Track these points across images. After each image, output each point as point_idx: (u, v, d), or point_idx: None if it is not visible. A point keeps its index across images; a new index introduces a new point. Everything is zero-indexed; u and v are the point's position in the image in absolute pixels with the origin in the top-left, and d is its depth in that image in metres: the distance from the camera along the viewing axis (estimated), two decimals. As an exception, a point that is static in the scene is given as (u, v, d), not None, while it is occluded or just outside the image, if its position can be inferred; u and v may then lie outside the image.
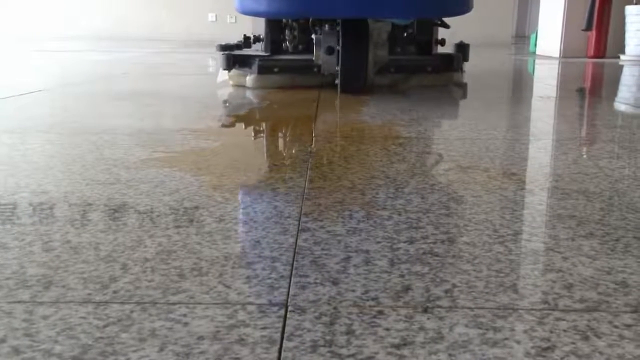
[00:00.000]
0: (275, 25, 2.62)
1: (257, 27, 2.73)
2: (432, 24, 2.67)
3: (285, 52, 2.65)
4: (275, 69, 2.39)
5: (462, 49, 2.73)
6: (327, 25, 2.18)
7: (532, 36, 6.11)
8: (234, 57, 2.48)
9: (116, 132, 1.42)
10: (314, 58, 2.25)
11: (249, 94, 2.30)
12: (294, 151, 1.21)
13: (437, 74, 2.54)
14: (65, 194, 0.91)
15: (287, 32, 2.62)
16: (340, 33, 2.12)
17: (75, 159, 1.15)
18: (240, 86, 2.43)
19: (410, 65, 2.53)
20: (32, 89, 2.30)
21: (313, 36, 2.25)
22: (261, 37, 2.66)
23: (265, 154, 1.24)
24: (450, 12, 2.19)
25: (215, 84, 2.61)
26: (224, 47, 2.59)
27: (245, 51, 2.68)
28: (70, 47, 5.78)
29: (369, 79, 2.20)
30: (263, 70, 2.39)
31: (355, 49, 2.13)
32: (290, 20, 2.60)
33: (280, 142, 1.40)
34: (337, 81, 2.19)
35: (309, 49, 2.48)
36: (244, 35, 2.84)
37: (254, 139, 1.45)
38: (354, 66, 2.15)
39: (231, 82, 2.51)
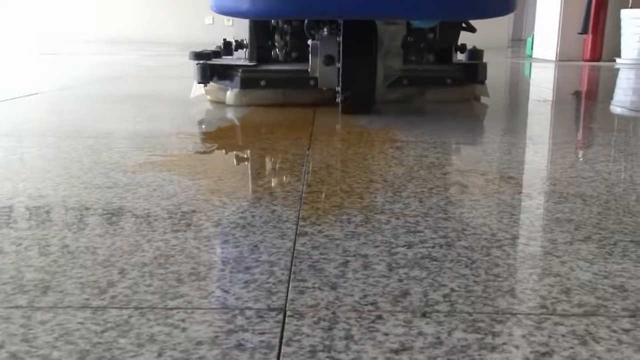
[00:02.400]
0: (262, 28, 2.10)
1: (240, 29, 2.20)
2: (458, 27, 2.18)
3: (275, 60, 2.16)
4: (262, 82, 1.94)
5: (477, 55, 2.25)
6: (325, 28, 1.78)
7: (529, 40, 6.12)
8: (211, 67, 2.00)
9: (113, 136, 1.41)
10: (309, 69, 1.81)
11: (224, 114, 1.87)
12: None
13: (459, 86, 2.12)
14: (63, 197, 0.91)
15: (276, 36, 2.11)
16: (342, 38, 1.71)
17: (72, 163, 1.15)
18: (220, 102, 2.01)
19: (426, 77, 2.10)
20: (28, 92, 2.30)
21: (309, 42, 1.82)
22: (245, 42, 2.13)
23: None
24: (493, 11, 1.74)
25: (189, 101, 2.10)
26: (199, 55, 2.06)
27: (226, 59, 2.16)
28: (74, 50, 5.77)
29: (378, 96, 1.79)
30: (246, 83, 1.94)
31: (361, 59, 1.72)
32: (280, 22, 2.10)
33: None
34: (339, 99, 1.79)
35: (303, 57, 1.98)
36: (224, 40, 2.25)
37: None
38: (359, 80, 1.74)
39: (209, 98, 2.08)
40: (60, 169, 1.10)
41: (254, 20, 2.04)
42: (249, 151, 1.31)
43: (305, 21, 1.91)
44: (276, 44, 2.13)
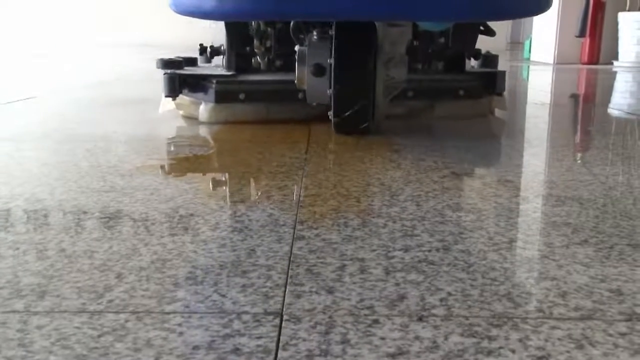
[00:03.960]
0: (239, 31, 1.78)
1: (219, 32, 1.90)
2: (476, 30, 1.86)
3: (257, 70, 1.86)
4: (241, 96, 1.63)
5: (490, 62, 1.96)
6: (315, 32, 1.47)
7: (526, 42, 6.14)
8: (181, 78, 1.68)
9: (111, 139, 1.41)
10: (296, 80, 1.50)
11: (193, 133, 1.58)
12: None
13: (473, 99, 1.78)
14: (60, 202, 0.91)
15: (255, 41, 1.79)
16: (334, 43, 1.41)
17: (69, 167, 1.15)
18: (195, 119, 1.69)
19: (435, 88, 1.77)
20: (25, 96, 2.30)
21: (297, 47, 1.50)
22: (223, 48, 1.85)
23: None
24: (528, 10, 1.46)
25: (157, 117, 1.79)
26: (168, 64, 1.77)
27: (200, 68, 1.89)
28: (73, 50, 5.77)
29: (378, 113, 1.48)
30: (222, 96, 1.63)
31: (356, 69, 1.41)
32: (261, 24, 1.79)
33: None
34: (331, 115, 1.48)
35: (290, 66, 1.60)
36: (200, 45, 1.94)
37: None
38: (354, 95, 1.42)
39: (181, 113, 1.77)
40: (58, 172, 1.10)
41: (226, 22, 1.76)
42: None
43: (292, 23, 1.59)
44: (256, 50, 1.81)
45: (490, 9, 1.31)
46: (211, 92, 1.65)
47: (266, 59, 1.85)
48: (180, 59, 1.81)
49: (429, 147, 1.35)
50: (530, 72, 4.33)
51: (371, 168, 1.13)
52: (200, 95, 1.69)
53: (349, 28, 1.42)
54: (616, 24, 5.11)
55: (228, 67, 1.80)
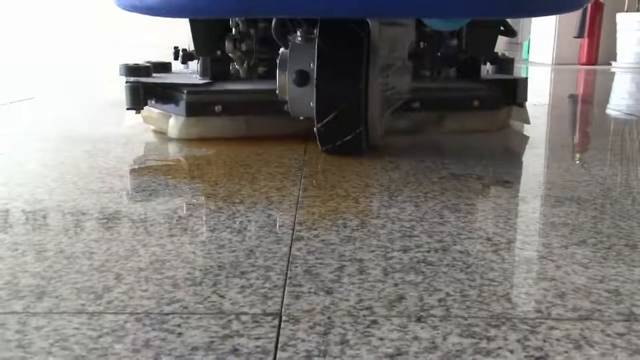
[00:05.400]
0: (208, 31, 1.51)
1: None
2: (495, 30, 1.62)
3: (236, 77, 1.57)
4: (217, 108, 1.38)
5: (506, 66, 1.73)
6: (299, 32, 1.24)
7: (525, 43, 6.15)
8: (147, 87, 1.43)
9: (109, 141, 1.41)
10: (277, 89, 1.25)
11: (157, 154, 1.31)
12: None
13: (490, 110, 1.53)
14: (59, 203, 0.91)
15: (227, 44, 1.47)
16: (316, 46, 1.16)
17: (68, 168, 1.15)
18: (165, 134, 1.46)
19: (446, 99, 1.50)
20: (24, 97, 2.30)
21: (281, 50, 1.28)
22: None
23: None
24: (564, 5, 1.19)
25: (120, 130, 1.56)
26: (133, 70, 1.53)
27: (173, 75, 1.64)
28: (73, 50, 5.77)
29: (374, 130, 1.23)
30: (194, 109, 1.39)
31: (343, 77, 1.16)
32: (239, 23, 1.49)
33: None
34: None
35: (274, 72, 1.29)
36: (175, 48, 1.69)
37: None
38: (340, 109, 1.16)
39: (152, 127, 1.54)
40: (57, 173, 1.10)
41: (192, 20, 1.48)
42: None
43: (274, 22, 1.32)
44: (230, 54, 1.50)
45: (523, 3, 1.03)
46: (182, 104, 1.39)
47: (245, 65, 1.56)
48: (148, 65, 1.58)
49: (426, 149, 1.35)
50: (528, 73, 4.34)
51: (370, 169, 1.13)
52: (170, 107, 1.44)
53: (335, 27, 1.17)
54: (614, 24, 5.12)
55: (203, 74, 1.55)
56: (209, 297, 0.59)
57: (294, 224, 0.82)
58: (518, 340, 0.51)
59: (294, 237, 0.76)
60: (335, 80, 1.16)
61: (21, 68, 4.03)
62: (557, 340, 0.51)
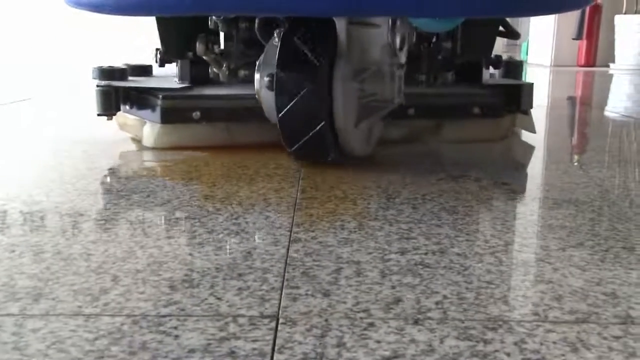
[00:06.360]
0: (181, 31, 1.39)
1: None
2: (493, 31, 1.53)
3: (216, 81, 1.43)
4: (195, 114, 1.30)
5: (516, 70, 1.64)
6: (276, 32, 1.15)
7: (523, 44, 6.16)
8: (118, 91, 1.36)
9: (108, 142, 1.41)
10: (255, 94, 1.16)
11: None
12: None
13: (491, 118, 1.44)
14: (57, 204, 0.91)
15: (198, 45, 1.34)
16: (279, 46, 1.08)
17: (66, 169, 1.15)
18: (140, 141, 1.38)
19: (443, 105, 1.41)
20: (21, 97, 2.29)
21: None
22: None
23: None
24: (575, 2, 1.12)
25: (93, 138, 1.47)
26: (107, 73, 1.44)
27: (152, 79, 1.54)
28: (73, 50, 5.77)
29: (350, 143, 1.13)
30: (170, 115, 1.30)
31: (304, 81, 1.05)
32: (218, 22, 1.33)
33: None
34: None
35: None
36: (157, 49, 1.51)
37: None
38: (297, 115, 1.06)
39: (129, 135, 1.45)
40: (54, 175, 1.10)
41: (159, 18, 1.37)
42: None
43: (257, 20, 1.22)
44: (204, 57, 1.37)
45: (522, 2, 0.95)
46: (157, 110, 1.31)
47: (225, 68, 1.41)
48: (124, 67, 1.49)
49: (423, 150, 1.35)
50: (527, 74, 4.34)
51: (368, 171, 1.13)
52: (146, 113, 1.35)
53: (299, 27, 1.08)
54: (613, 26, 5.13)
55: (182, 78, 1.45)
56: (206, 299, 0.59)
57: (292, 225, 0.82)
58: (515, 343, 0.51)
59: (291, 239, 0.76)
60: (293, 79, 1.06)
61: (16, 68, 4.03)
62: (554, 343, 0.51)
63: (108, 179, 1.05)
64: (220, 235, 0.77)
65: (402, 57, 1.20)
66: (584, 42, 5.29)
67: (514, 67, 1.61)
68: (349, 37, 1.08)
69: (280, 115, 1.06)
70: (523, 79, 1.59)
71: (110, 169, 1.14)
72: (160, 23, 1.37)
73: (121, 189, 0.99)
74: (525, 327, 0.54)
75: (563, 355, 0.50)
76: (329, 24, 1.08)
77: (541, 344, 0.51)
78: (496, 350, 0.50)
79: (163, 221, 0.83)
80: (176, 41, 1.40)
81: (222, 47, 1.36)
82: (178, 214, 0.86)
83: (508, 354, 0.50)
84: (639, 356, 0.50)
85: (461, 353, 0.50)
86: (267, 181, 1.05)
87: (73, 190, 0.99)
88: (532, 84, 1.52)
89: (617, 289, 0.63)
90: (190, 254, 0.71)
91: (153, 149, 1.32)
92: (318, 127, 1.06)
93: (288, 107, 1.05)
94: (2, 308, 0.57)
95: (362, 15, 1.09)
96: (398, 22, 1.15)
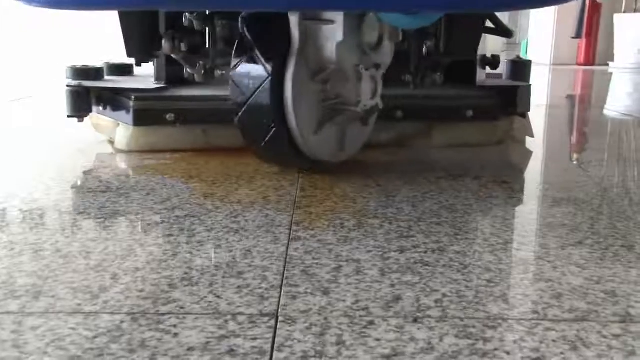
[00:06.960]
0: (142, 25, 1.31)
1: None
2: (476, 27, 1.40)
3: (194, 81, 1.29)
4: (169, 116, 1.23)
5: (520, 71, 1.53)
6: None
7: (523, 43, 6.16)
8: (90, 92, 1.31)
9: (107, 140, 1.41)
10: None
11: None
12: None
13: (486, 121, 1.37)
14: (56, 202, 0.91)
15: (165, 43, 1.23)
16: (235, 45, 1.04)
17: (66, 167, 1.14)
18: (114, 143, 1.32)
19: (433, 108, 1.34)
20: (21, 95, 2.29)
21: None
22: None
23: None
24: None
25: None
26: (80, 73, 1.38)
27: (128, 79, 1.48)
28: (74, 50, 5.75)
29: (307, 148, 1.03)
30: (143, 117, 1.25)
31: (250, 81, 1.00)
32: (195, 18, 1.16)
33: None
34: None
35: None
36: None
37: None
38: (251, 118, 1.01)
39: (103, 138, 1.39)
40: (54, 173, 1.10)
41: (121, 13, 1.28)
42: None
43: (240, 17, 1.07)
44: (173, 55, 1.26)
45: None
46: (130, 112, 1.25)
47: (201, 67, 1.27)
48: (100, 67, 1.43)
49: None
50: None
51: (368, 169, 1.13)
52: (119, 114, 1.29)
53: (253, 24, 1.02)
54: (612, 25, 5.13)
55: (158, 78, 1.39)
56: (205, 297, 0.59)
57: (291, 224, 0.81)
58: (514, 342, 0.51)
59: (291, 237, 0.76)
60: (245, 80, 1.01)
61: (19, 67, 4.02)
62: (554, 341, 0.51)
63: (107, 177, 1.05)
64: (220, 234, 0.77)
65: (380, 57, 1.08)
66: (584, 41, 5.29)
67: (521, 68, 1.52)
68: (303, 34, 0.99)
69: (236, 119, 1.02)
70: (529, 80, 1.51)
71: (110, 167, 1.14)
72: (122, 20, 1.29)
73: (120, 186, 0.99)
74: (525, 326, 0.54)
75: (562, 353, 0.50)
76: (282, 21, 0.99)
77: (541, 342, 0.51)
78: (496, 349, 0.50)
79: (163, 219, 0.83)
80: (139, 39, 1.32)
81: (189, 45, 1.25)
82: (178, 212, 0.86)
83: (508, 352, 0.50)
84: (638, 355, 0.50)
85: (461, 351, 0.50)
86: (267, 179, 1.05)
87: (72, 188, 0.99)
88: (530, 85, 1.46)
89: (616, 287, 0.63)
90: (190, 252, 0.71)
91: (128, 152, 1.27)
92: (272, 132, 1.00)
93: (242, 110, 1.01)
94: (1, 306, 0.57)
95: (318, 9, 1.00)
96: (367, 19, 1.03)
